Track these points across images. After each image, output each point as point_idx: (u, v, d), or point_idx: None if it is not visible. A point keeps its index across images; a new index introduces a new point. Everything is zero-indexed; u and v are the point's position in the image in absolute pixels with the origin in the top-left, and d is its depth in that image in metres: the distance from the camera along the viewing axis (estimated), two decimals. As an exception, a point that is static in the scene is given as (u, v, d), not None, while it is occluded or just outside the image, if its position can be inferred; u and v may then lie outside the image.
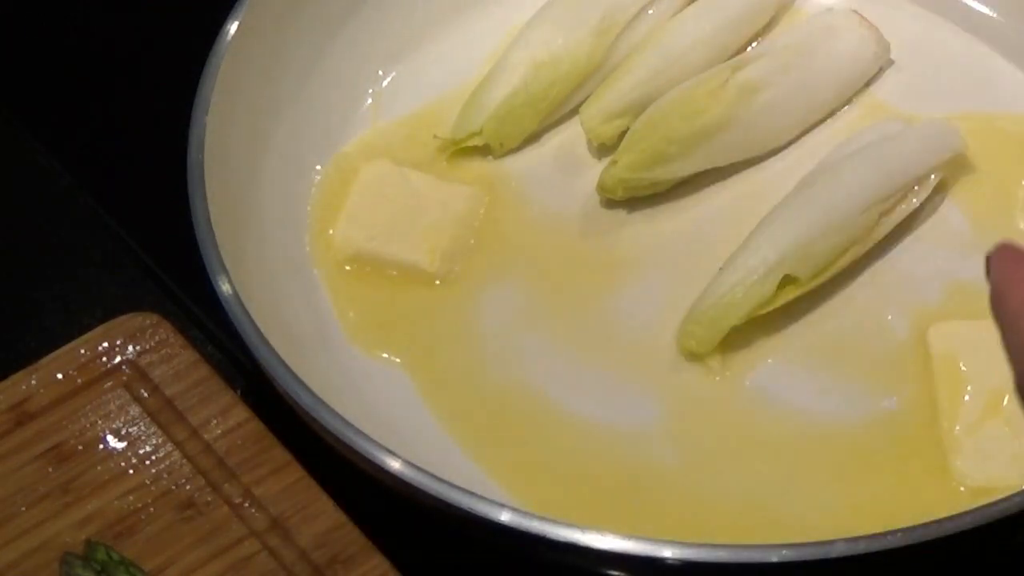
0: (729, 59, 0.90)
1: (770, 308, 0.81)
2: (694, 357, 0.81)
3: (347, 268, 0.86)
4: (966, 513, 0.67)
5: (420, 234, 0.86)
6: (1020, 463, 0.75)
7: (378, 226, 0.86)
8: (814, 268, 0.81)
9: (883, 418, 0.79)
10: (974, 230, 0.86)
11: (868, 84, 0.92)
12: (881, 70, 0.93)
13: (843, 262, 0.83)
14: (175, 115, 0.82)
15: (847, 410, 0.79)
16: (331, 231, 0.87)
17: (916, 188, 0.85)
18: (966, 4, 0.96)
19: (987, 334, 0.80)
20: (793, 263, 0.81)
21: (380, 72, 0.94)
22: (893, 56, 0.93)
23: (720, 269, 0.82)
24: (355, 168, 0.89)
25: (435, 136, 0.91)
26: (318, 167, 0.90)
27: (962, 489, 0.75)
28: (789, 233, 0.81)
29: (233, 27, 0.84)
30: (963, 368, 0.78)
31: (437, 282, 0.85)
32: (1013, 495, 0.67)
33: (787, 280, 0.81)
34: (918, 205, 0.85)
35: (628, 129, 0.88)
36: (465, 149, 0.90)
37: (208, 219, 0.77)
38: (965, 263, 0.84)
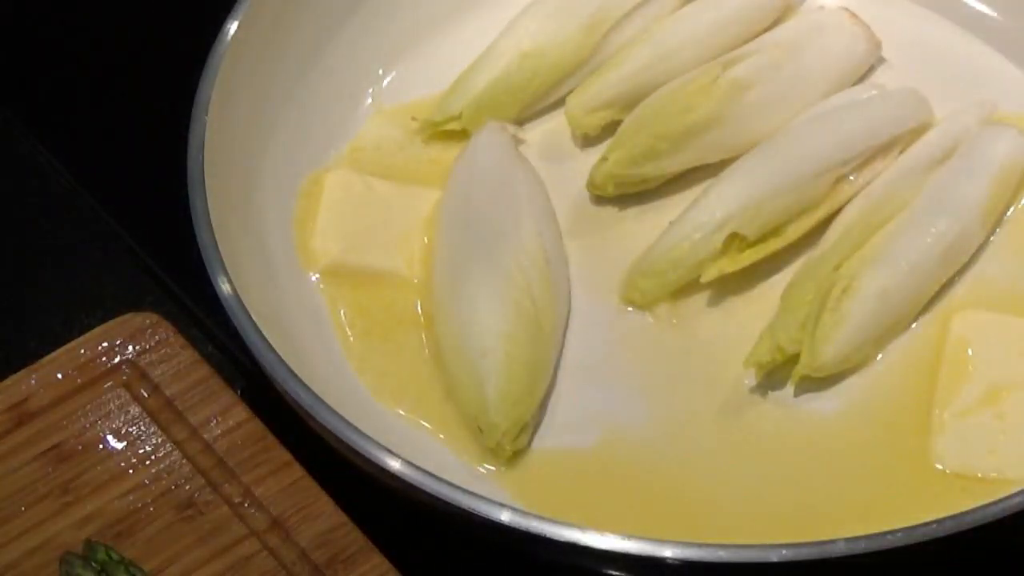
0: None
1: (724, 270, 0.80)
2: (636, 307, 0.83)
3: (331, 278, 0.86)
4: (966, 513, 0.67)
5: (393, 241, 0.86)
6: (996, 457, 0.76)
7: (351, 237, 0.86)
8: (762, 227, 0.81)
9: (876, 405, 0.79)
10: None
11: (859, 81, 0.92)
12: (873, 68, 0.93)
13: (799, 226, 0.83)
14: (175, 115, 0.82)
15: (843, 401, 0.79)
16: (310, 243, 0.86)
17: (880, 156, 0.85)
18: (963, 1, 0.96)
19: (1008, 329, 0.80)
20: (741, 221, 0.81)
21: (380, 71, 0.94)
22: (887, 54, 0.93)
23: (670, 223, 0.83)
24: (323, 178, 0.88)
25: (412, 119, 0.90)
26: (317, 167, 0.90)
27: (938, 467, 0.76)
28: (739, 191, 0.82)
29: (233, 27, 0.84)
30: (971, 355, 0.79)
31: (415, 280, 0.85)
32: (1013, 495, 0.67)
33: (736, 239, 0.80)
34: (880, 173, 0.85)
35: (612, 121, 0.89)
36: (449, 134, 0.90)
37: (208, 219, 0.77)
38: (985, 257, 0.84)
